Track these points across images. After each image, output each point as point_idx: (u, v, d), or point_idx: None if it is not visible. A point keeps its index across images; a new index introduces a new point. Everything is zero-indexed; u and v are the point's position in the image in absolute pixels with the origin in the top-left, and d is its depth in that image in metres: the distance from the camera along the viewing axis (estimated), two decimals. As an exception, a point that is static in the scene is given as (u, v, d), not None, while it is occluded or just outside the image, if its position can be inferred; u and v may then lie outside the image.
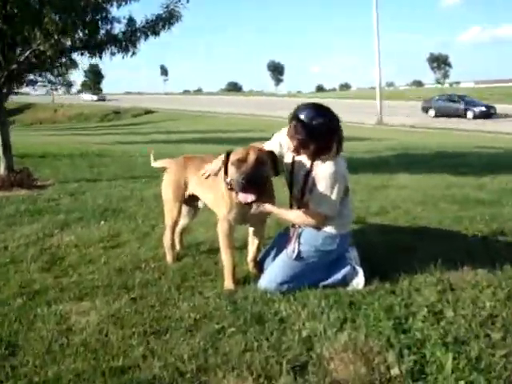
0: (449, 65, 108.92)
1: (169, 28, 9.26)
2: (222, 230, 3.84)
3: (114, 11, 9.62)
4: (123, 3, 8.98)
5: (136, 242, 4.93)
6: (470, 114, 37.60)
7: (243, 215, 3.79)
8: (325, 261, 3.72)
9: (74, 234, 5.27)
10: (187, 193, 4.28)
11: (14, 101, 63.13)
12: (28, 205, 6.84)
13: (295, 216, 3.69)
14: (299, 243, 3.68)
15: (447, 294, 3.50)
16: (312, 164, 3.61)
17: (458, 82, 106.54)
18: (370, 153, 13.66)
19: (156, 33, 9.26)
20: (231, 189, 3.63)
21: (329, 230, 3.67)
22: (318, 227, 3.66)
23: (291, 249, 3.69)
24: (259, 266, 4.06)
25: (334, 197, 3.52)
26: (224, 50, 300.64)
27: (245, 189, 3.43)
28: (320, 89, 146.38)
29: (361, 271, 3.75)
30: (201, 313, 3.27)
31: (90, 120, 58.11)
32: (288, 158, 3.77)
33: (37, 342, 2.95)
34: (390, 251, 4.39)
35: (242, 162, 3.49)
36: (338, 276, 3.72)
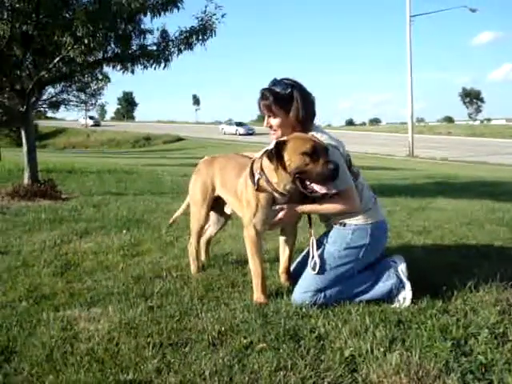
0: (481, 100, 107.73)
1: (203, 41, 9.05)
2: (248, 235, 3.43)
3: (148, 23, 9.44)
4: (157, 15, 8.80)
5: (158, 252, 4.58)
6: None
7: (271, 219, 3.38)
8: (363, 262, 3.33)
9: (93, 242, 4.96)
10: (215, 194, 3.89)
11: (47, 125, 64.91)
12: (49, 214, 6.56)
13: (327, 205, 3.27)
14: (318, 253, 3.32)
15: (508, 316, 3.04)
16: None
17: (489, 119, 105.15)
18: (405, 179, 13.21)
19: (190, 46, 9.05)
20: (258, 189, 3.28)
21: (355, 221, 3.30)
22: (350, 213, 3.29)
23: (312, 263, 3.30)
24: (292, 277, 3.61)
25: (339, 164, 3.14)
26: (255, 82, 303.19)
27: (330, 179, 3.08)
28: (350, 123, 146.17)
29: (408, 284, 3.30)
30: (226, 325, 2.85)
31: (122, 146, 58.61)
32: None
33: (36, 348, 2.58)
34: (438, 269, 3.95)
35: (311, 154, 3.09)
36: (383, 288, 3.28)
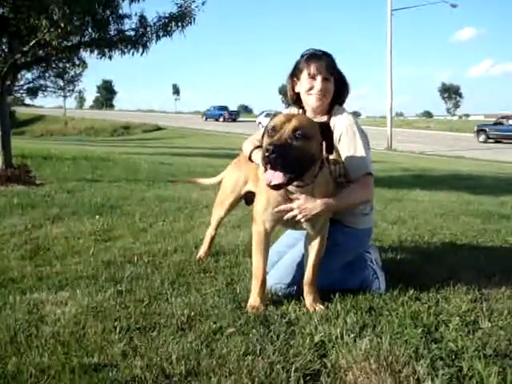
0: (460, 95, 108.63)
1: (182, 28, 8.93)
2: (255, 231, 2.98)
3: (126, 8, 9.29)
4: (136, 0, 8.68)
5: (130, 237, 4.51)
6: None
7: (284, 215, 2.90)
8: (344, 261, 3.26)
9: (65, 227, 4.87)
10: (245, 188, 3.60)
11: (24, 112, 63.95)
12: (21, 199, 6.43)
13: (353, 198, 3.01)
14: None
15: (480, 304, 3.05)
16: (329, 122, 3.10)
17: (467, 115, 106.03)
18: (382, 171, 13.23)
19: (168, 33, 8.94)
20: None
21: (354, 225, 3.23)
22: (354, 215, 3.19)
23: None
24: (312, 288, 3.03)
25: (363, 150, 3.03)
26: (236, 72, 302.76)
27: (271, 165, 2.56)
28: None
29: (382, 275, 3.29)
30: (196, 310, 2.81)
31: (100, 134, 57.96)
32: None
33: (0, 330, 2.51)
34: (412, 258, 3.96)
35: (277, 130, 2.66)
36: (357, 278, 3.25)
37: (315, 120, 2.94)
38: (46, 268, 3.56)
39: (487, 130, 36.70)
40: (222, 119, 56.63)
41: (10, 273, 3.43)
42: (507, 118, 36.04)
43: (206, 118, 59.33)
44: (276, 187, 2.63)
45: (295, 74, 3.22)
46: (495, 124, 37.08)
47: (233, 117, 57.17)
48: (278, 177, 2.57)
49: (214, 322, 2.66)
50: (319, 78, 3.10)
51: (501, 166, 20.33)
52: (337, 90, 3.18)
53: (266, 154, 2.52)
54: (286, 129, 2.62)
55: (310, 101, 3.16)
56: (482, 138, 36.37)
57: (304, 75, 3.14)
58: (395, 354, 2.33)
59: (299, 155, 2.59)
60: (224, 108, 59.78)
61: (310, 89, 3.12)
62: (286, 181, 2.59)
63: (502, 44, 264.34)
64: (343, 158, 3.06)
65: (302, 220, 2.86)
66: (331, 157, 3.00)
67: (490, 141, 35.55)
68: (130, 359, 2.26)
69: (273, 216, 2.92)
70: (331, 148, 2.83)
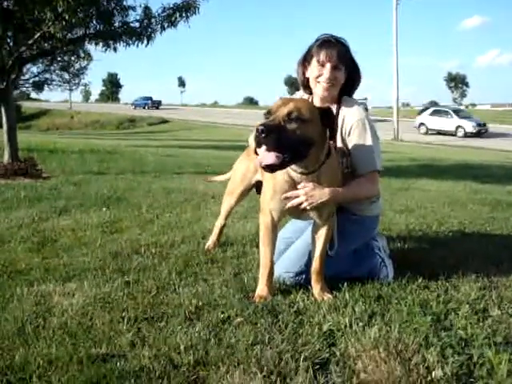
0: (466, 84, 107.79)
1: (186, 18, 8.92)
2: (263, 221, 2.97)
3: (130, 0, 9.32)
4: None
5: (137, 229, 4.50)
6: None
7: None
8: (350, 249, 3.23)
9: (72, 219, 4.86)
10: (256, 178, 3.53)
11: (30, 107, 64.02)
12: (28, 192, 6.44)
13: (360, 191, 3.01)
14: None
15: (489, 292, 3.03)
16: (338, 112, 3.08)
17: (474, 104, 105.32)
18: (389, 161, 13.19)
19: (173, 23, 8.92)
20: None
21: (360, 212, 3.19)
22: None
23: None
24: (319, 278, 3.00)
25: (372, 146, 3.00)
26: (242, 64, 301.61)
27: (261, 145, 2.53)
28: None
29: (390, 263, 3.27)
30: (204, 300, 2.79)
31: (106, 127, 57.98)
32: None
33: (8, 322, 2.50)
34: (420, 247, 3.94)
35: (272, 114, 2.62)
36: (364, 267, 3.23)
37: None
38: (53, 260, 3.55)
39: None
40: (146, 107, 68.71)
41: (17, 265, 3.42)
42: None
43: (135, 107, 70.20)
44: (268, 169, 2.59)
45: (307, 58, 3.17)
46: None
47: (155, 105, 69.75)
48: (269, 157, 2.53)
49: (222, 312, 2.64)
50: (328, 66, 3.03)
51: (507, 155, 20.25)
52: (348, 80, 3.13)
53: (257, 133, 2.49)
54: (280, 112, 2.58)
55: (318, 89, 3.11)
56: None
57: (314, 61, 3.09)
58: (404, 343, 2.31)
59: (293, 137, 2.55)
60: (149, 98, 72.78)
61: (319, 76, 3.06)
62: (278, 162, 2.54)
63: (509, 33, 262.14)
64: (352, 152, 3.03)
65: (308, 207, 2.82)
66: (339, 146, 2.98)
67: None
68: (138, 349, 2.25)
69: (280, 204, 2.88)
70: (332, 134, 2.80)
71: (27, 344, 2.29)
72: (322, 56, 3.04)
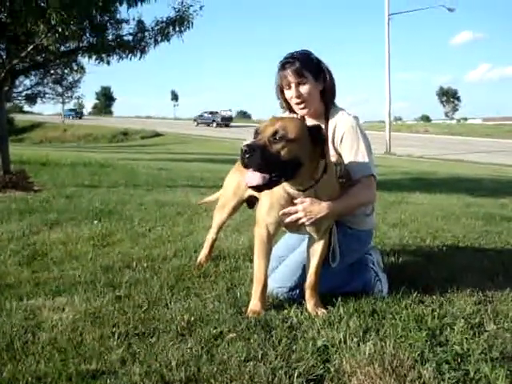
0: (458, 99, 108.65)
1: (180, 33, 8.92)
2: (258, 234, 2.93)
3: (124, 13, 9.26)
4: (134, 4, 8.63)
5: (129, 242, 4.45)
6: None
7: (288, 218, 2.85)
8: (344, 263, 3.18)
9: (63, 232, 4.81)
10: (247, 193, 3.48)
11: (23, 119, 63.95)
12: (19, 205, 6.39)
13: (357, 200, 2.96)
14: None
15: (484, 306, 3.01)
16: (327, 125, 3.07)
17: (465, 118, 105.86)
18: (382, 175, 13.19)
19: (166, 37, 8.92)
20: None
21: (356, 226, 3.17)
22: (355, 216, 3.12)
23: (329, 255, 3.04)
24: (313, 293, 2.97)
25: (365, 152, 2.98)
26: (235, 79, 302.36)
27: (246, 166, 2.55)
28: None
29: (384, 277, 3.24)
30: (196, 315, 2.75)
31: (99, 140, 57.93)
32: None
33: (-4, 337, 2.45)
34: (414, 261, 3.91)
35: (260, 134, 2.63)
36: (359, 282, 3.20)
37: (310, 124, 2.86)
38: (43, 274, 3.51)
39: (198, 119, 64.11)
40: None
41: (6, 278, 3.38)
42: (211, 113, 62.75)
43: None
44: (255, 189, 2.59)
45: (279, 85, 3.18)
46: (200, 116, 64.25)
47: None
48: (254, 178, 2.52)
49: (215, 327, 2.60)
50: (293, 86, 3.06)
51: (498, 169, 20.34)
52: (325, 86, 3.10)
53: (241, 154, 2.50)
54: (267, 131, 2.58)
55: (296, 110, 3.14)
56: (195, 124, 63.38)
57: (284, 85, 3.12)
58: (400, 358, 2.28)
59: (278, 157, 2.53)
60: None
61: (291, 98, 3.11)
62: (264, 182, 2.52)
63: (499, 49, 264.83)
64: (345, 159, 3.01)
65: (307, 223, 2.80)
66: (332, 158, 2.95)
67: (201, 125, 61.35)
68: (129, 366, 2.21)
69: (276, 219, 2.87)
70: (323, 152, 2.72)
71: (15, 359, 2.24)
72: (285, 79, 3.07)
